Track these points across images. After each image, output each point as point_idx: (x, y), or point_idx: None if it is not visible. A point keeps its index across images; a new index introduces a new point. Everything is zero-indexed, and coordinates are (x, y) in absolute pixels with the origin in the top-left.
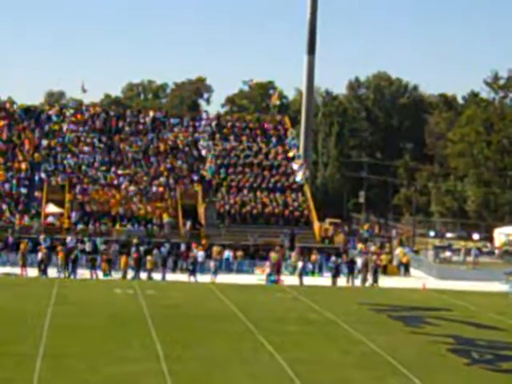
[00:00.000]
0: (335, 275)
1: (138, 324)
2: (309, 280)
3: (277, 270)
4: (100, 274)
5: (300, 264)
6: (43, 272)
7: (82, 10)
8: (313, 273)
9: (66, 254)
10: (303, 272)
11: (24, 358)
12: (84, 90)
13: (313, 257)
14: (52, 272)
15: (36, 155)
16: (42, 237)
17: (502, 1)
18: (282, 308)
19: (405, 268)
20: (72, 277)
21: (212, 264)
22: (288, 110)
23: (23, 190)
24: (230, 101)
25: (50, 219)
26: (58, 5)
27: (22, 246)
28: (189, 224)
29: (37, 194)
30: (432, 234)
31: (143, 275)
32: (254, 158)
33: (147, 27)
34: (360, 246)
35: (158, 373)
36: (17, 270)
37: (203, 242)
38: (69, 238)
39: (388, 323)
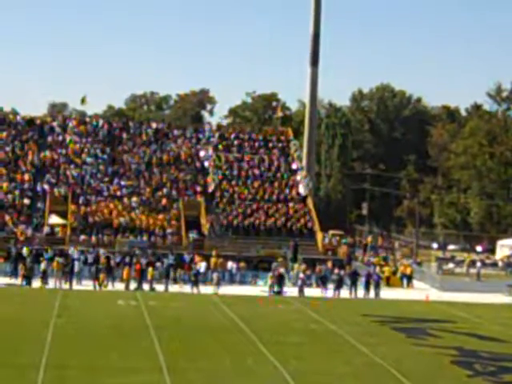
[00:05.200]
0: (338, 287)
1: (140, 335)
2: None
3: (279, 281)
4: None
5: (301, 275)
6: (45, 282)
7: (85, 20)
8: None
9: (63, 264)
10: (305, 284)
11: (26, 369)
12: (83, 102)
13: (316, 268)
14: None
15: (39, 166)
16: (71, 248)
17: (505, 13)
18: (285, 319)
19: (408, 280)
20: (68, 287)
21: (215, 275)
22: (291, 122)
23: (26, 201)
24: (233, 112)
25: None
26: (61, 16)
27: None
28: (191, 235)
29: (40, 205)
30: (435, 245)
31: (145, 286)
32: (257, 169)
33: (150, 38)
34: (363, 257)
35: None
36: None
37: (214, 252)
38: (71, 249)
39: (391, 335)
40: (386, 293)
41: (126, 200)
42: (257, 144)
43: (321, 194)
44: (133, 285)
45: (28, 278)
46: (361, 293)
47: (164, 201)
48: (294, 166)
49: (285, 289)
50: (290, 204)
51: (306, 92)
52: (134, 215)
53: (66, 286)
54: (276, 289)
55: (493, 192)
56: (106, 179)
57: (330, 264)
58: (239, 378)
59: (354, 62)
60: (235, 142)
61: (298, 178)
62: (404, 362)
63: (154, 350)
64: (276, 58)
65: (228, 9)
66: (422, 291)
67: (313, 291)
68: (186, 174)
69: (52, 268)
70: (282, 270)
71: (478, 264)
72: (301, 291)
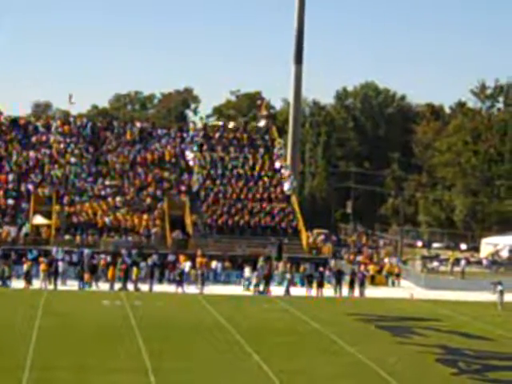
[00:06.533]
0: (320, 285)
1: (125, 335)
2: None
3: (265, 280)
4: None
5: (288, 275)
6: (28, 283)
7: (68, 21)
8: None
9: (48, 265)
10: (290, 283)
11: (12, 371)
12: (71, 102)
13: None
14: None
15: (23, 166)
16: (54, 249)
17: (489, 11)
18: (270, 319)
19: (395, 277)
20: (53, 288)
21: (199, 272)
22: (275, 120)
23: (10, 202)
24: (218, 111)
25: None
26: (45, 16)
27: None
28: (175, 235)
29: (24, 205)
30: (419, 243)
31: (130, 286)
32: (241, 168)
33: (134, 38)
34: (348, 256)
35: None
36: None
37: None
38: (54, 250)
39: (376, 333)
40: (371, 291)
41: (110, 200)
42: (241, 143)
43: (305, 192)
44: (117, 285)
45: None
46: (346, 291)
47: (148, 200)
48: (278, 165)
49: (270, 288)
50: (275, 203)
51: (290, 90)
52: (119, 215)
53: (50, 286)
54: (262, 288)
55: (477, 189)
56: (90, 179)
57: (332, 263)
58: (224, 378)
59: (338, 60)
60: (219, 141)
61: (283, 176)
62: (389, 361)
63: (139, 349)
64: (260, 57)
65: (211, 7)
66: (406, 289)
67: (298, 290)
68: (170, 174)
69: (41, 270)
70: (247, 269)
71: (463, 262)
72: (287, 291)
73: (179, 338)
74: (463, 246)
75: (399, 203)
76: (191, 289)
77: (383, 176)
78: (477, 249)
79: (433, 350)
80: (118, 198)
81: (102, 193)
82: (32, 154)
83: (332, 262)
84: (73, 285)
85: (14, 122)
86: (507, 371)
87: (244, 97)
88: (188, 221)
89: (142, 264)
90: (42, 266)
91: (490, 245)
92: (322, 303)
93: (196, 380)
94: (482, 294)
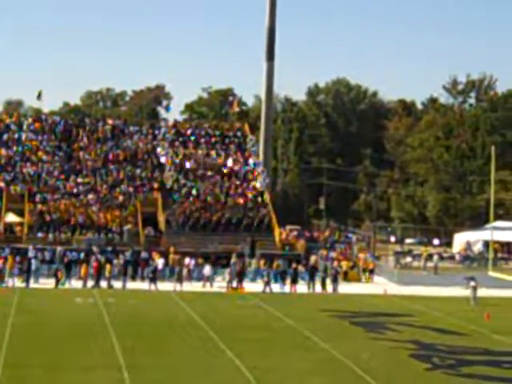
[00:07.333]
0: (293, 281)
1: (99, 333)
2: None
3: (238, 277)
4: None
5: (264, 272)
6: (1, 281)
7: (40, 17)
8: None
9: (19, 263)
10: (269, 280)
11: None
12: (39, 97)
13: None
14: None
15: None
16: (30, 247)
17: (460, 6)
18: (243, 315)
19: (369, 273)
20: (25, 285)
21: (176, 272)
22: (247, 117)
23: None
24: (189, 108)
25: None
26: (16, 12)
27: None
28: (148, 232)
29: None
30: (392, 239)
31: (103, 283)
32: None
33: (105, 34)
34: (321, 252)
35: (120, 381)
36: None
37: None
38: (30, 247)
39: (349, 329)
40: (344, 287)
41: (82, 197)
42: (213, 139)
43: (278, 188)
44: (90, 282)
45: None
46: (319, 287)
47: (121, 197)
48: (250, 161)
49: (243, 284)
50: (247, 199)
51: (262, 87)
52: (91, 212)
53: (22, 284)
54: (235, 284)
55: (449, 185)
56: (63, 176)
57: (313, 259)
58: (198, 375)
59: (309, 57)
60: (191, 138)
61: (255, 173)
62: (363, 357)
63: (113, 346)
64: (232, 53)
65: (183, 3)
66: (379, 285)
67: (271, 287)
68: (142, 171)
69: (7, 266)
70: (208, 269)
71: (436, 257)
72: (270, 288)
73: (153, 335)
74: (436, 242)
75: (372, 199)
76: (165, 286)
77: (355, 172)
78: (449, 244)
79: (406, 345)
80: (90, 196)
81: (75, 190)
82: (3, 151)
83: (312, 258)
84: (45, 283)
85: None
86: (481, 366)
87: (216, 93)
88: (160, 218)
89: (115, 261)
90: (9, 263)
91: (463, 240)
92: (296, 299)
93: (169, 376)
94: (455, 290)
